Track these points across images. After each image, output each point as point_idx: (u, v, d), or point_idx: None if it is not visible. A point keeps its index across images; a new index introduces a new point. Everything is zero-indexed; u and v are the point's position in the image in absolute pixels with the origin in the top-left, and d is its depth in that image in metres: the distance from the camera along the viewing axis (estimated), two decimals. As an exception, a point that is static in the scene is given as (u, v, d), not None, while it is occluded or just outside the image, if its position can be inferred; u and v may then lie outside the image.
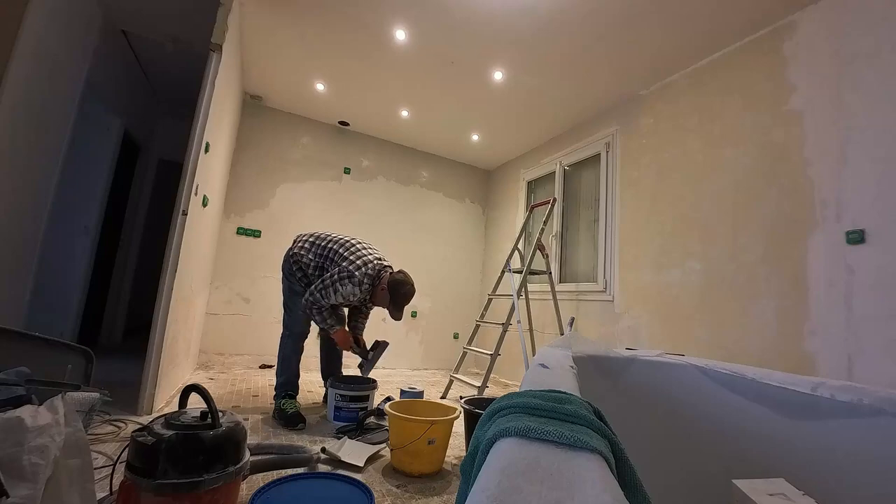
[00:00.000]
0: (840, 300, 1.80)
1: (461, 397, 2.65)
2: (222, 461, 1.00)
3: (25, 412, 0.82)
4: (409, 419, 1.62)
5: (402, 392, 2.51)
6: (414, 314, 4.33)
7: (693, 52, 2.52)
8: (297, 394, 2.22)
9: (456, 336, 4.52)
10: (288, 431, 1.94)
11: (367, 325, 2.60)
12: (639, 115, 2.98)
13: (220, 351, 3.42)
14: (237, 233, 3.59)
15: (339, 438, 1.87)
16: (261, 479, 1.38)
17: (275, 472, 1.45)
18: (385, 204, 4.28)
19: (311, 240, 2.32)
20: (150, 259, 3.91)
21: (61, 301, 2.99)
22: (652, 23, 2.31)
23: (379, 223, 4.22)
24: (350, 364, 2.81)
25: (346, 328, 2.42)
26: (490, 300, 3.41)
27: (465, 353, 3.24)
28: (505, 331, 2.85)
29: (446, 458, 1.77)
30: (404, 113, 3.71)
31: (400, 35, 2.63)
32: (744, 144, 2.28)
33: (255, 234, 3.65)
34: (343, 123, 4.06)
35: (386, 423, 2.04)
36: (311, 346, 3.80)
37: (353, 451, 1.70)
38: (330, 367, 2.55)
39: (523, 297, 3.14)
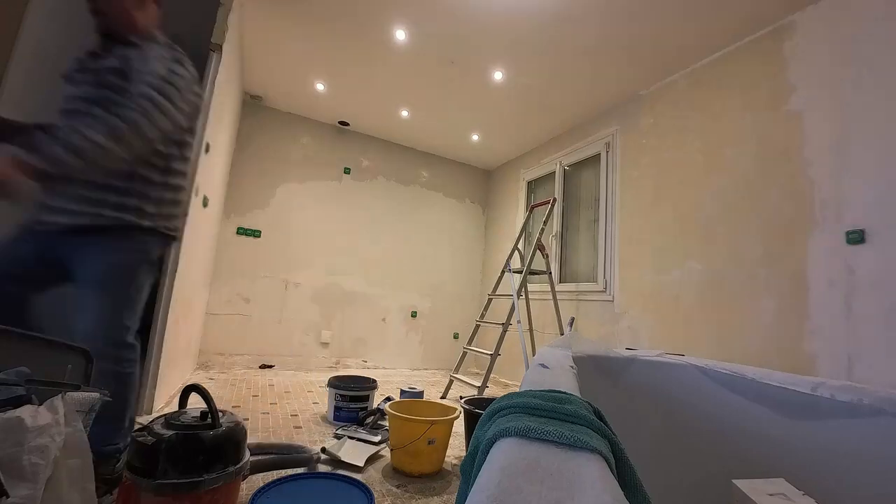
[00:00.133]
0: (840, 300, 1.80)
1: (461, 397, 2.65)
2: (222, 461, 1.00)
3: (25, 412, 0.82)
4: (409, 419, 1.62)
5: (402, 392, 2.51)
6: (414, 314, 4.33)
7: (693, 52, 2.52)
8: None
9: (456, 336, 4.52)
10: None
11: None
12: (639, 115, 2.98)
13: (220, 351, 3.42)
14: (237, 233, 3.59)
15: (339, 438, 1.87)
16: (261, 479, 1.38)
17: (275, 472, 1.45)
18: (385, 204, 4.28)
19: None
20: (150, 259, 3.91)
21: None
22: (652, 22, 2.31)
23: (379, 223, 4.22)
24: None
25: None
26: (490, 300, 3.41)
27: (465, 353, 3.24)
28: (505, 331, 2.85)
29: (446, 458, 1.77)
30: (404, 113, 3.71)
31: (400, 35, 2.63)
32: (744, 144, 2.28)
33: (255, 234, 3.65)
34: (343, 123, 4.06)
35: (386, 422, 2.04)
36: (313, 346, 3.80)
37: (353, 451, 1.70)
38: None
39: (523, 297, 3.14)
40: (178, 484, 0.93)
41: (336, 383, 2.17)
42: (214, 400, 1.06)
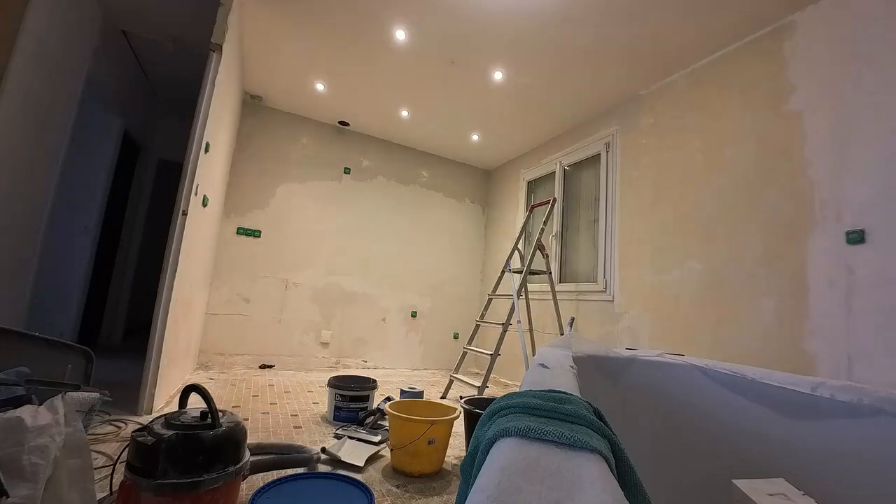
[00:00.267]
0: (840, 300, 1.80)
1: (461, 397, 2.65)
2: (222, 461, 1.00)
3: (25, 412, 0.82)
4: (409, 419, 1.62)
5: (402, 392, 2.51)
6: (414, 314, 4.33)
7: (693, 52, 2.52)
8: None
9: (456, 336, 4.52)
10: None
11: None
12: (639, 115, 2.98)
13: (220, 351, 3.42)
14: (237, 233, 3.59)
15: (339, 438, 1.87)
16: (261, 479, 1.38)
17: (275, 472, 1.45)
18: (385, 204, 4.28)
19: None
20: (150, 259, 3.92)
21: (61, 301, 2.99)
22: (652, 22, 2.31)
23: (379, 223, 4.23)
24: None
25: None
26: (490, 300, 3.41)
27: (465, 353, 3.24)
28: (505, 331, 2.85)
29: (446, 458, 1.77)
30: (404, 113, 3.71)
31: (400, 35, 2.63)
32: (744, 144, 2.28)
33: (255, 234, 3.65)
34: (343, 123, 4.06)
35: (386, 422, 2.04)
36: (313, 346, 3.80)
37: (353, 451, 1.70)
38: None
39: (523, 297, 3.14)
40: (178, 484, 0.93)
41: (336, 383, 2.17)
42: (214, 400, 1.06)
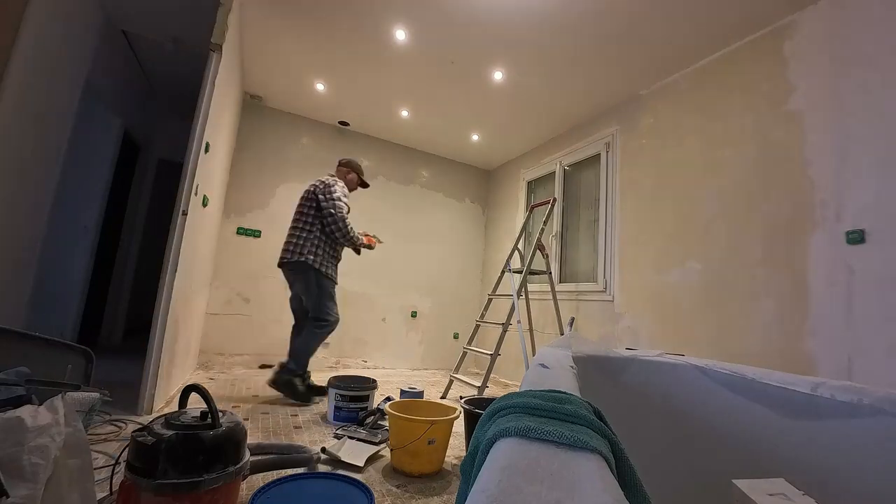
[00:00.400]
0: (840, 300, 1.80)
1: (461, 397, 2.65)
2: (222, 461, 1.00)
3: (25, 412, 0.82)
4: (409, 419, 1.62)
5: (402, 392, 2.51)
6: (414, 314, 4.33)
7: (693, 52, 2.52)
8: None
9: (456, 336, 4.52)
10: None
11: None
12: (639, 115, 2.98)
13: (220, 351, 3.42)
14: (237, 233, 3.59)
15: (339, 438, 1.87)
16: (261, 479, 1.38)
17: (275, 472, 1.45)
18: (385, 204, 4.28)
19: (296, 217, 2.62)
20: (150, 259, 3.91)
21: (61, 301, 2.99)
22: (652, 23, 2.31)
23: (379, 223, 4.22)
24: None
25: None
26: (490, 300, 3.41)
27: (465, 353, 3.24)
28: (505, 331, 2.85)
29: (446, 458, 1.77)
30: (404, 113, 3.71)
31: (400, 35, 2.63)
32: (744, 144, 2.28)
33: (255, 234, 3.65)
34: (343, 123, 4.06)
35: (386, 422, 2.04)
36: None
37: (353, 451, 1.70)
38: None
39: (523, 297, 3.14)
40: (178, 484, 0.93)
41: (336, 383, 2.17)
42: (214, 400, 1.06)
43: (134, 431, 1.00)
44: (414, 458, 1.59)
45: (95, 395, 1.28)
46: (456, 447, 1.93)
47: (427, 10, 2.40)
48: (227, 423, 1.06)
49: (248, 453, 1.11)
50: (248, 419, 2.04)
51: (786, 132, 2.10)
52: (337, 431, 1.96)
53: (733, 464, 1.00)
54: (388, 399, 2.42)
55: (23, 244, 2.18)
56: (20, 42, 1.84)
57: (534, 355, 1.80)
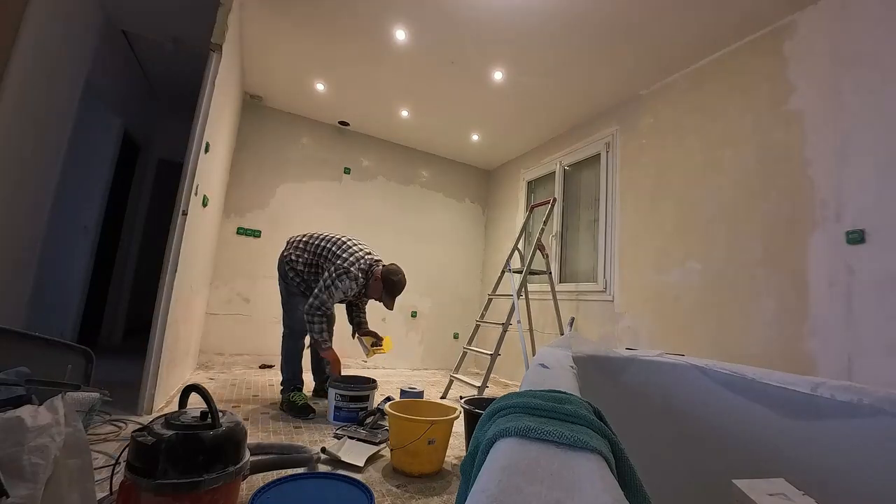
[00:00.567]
0: (840, 300, 1.80)
1: (461, 397, 2.65)
2: (222, 461, 1.00)
3: (25, 412, 0.82)
4: (409, 419, 1.62)
5: (402, 392, 2.51)
6: (414, 314, 4.33)
7: (693, 52, 2.52)
8: (303, 386, 2.35)
9: (456, 336, 4.52)
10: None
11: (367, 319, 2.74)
12: (639, 115, 2.98)
13: (220, 351, 3.42)
14: (237, 233, 3.59)
15: (339, 438, 1.87)
16: (261, 479, 1.38)
17: (275, 472, 1.45)
18: (385, 204, 4.28)
19: (303, 240, 2.40)
20: (150, 259, 3.91)
21: (61, 301, 2.99)
22: (652, 23, 2.31)
23: (379, 223, 4.22)
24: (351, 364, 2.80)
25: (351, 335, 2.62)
26: (490, 300, 3.41)
27: (465, 353, 3.24)
28: (505, 331, 2.85)
29: (446, 458, 1.77)
30: (404, 113, 3.71)
31: (400, 35, 2.63)
32: (744, 144, 2.28)
33: (255, 234, 3.65)
34: (343, 123, 4.06)
35: (386, 422, 2.04)
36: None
37: (353, 451, 1.70)
38: (319, 368, 2.63)
39: (523, 297, 3.14)
40: (178, 484, 0.93)
41: (336, 383, 2.17)
42: (214, 400, 1.06)
43: (134, 431, 1.00)
44: (414, 458, 1.59)
45: (95, 395, 1.28)
46: (456, 447, 1.93)
47: (427, 10, 2.40)
48: (227, 423, 1.06)
49: (248, 453, 1.11)
50: (247, 419, 2.04)
51: (786, 132, 2.10)
52: (337, 431, 1.96)
53: (733, 464, 1.00)
54: (388, 399, 2.42)
55: (23, 244, 2.18)
56: (20, 42, 1.83)
57: (534, 355, 1.80)
